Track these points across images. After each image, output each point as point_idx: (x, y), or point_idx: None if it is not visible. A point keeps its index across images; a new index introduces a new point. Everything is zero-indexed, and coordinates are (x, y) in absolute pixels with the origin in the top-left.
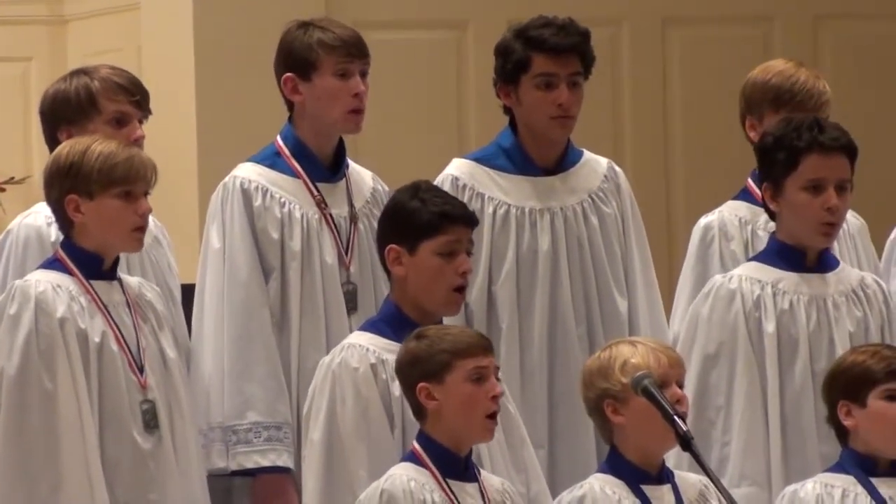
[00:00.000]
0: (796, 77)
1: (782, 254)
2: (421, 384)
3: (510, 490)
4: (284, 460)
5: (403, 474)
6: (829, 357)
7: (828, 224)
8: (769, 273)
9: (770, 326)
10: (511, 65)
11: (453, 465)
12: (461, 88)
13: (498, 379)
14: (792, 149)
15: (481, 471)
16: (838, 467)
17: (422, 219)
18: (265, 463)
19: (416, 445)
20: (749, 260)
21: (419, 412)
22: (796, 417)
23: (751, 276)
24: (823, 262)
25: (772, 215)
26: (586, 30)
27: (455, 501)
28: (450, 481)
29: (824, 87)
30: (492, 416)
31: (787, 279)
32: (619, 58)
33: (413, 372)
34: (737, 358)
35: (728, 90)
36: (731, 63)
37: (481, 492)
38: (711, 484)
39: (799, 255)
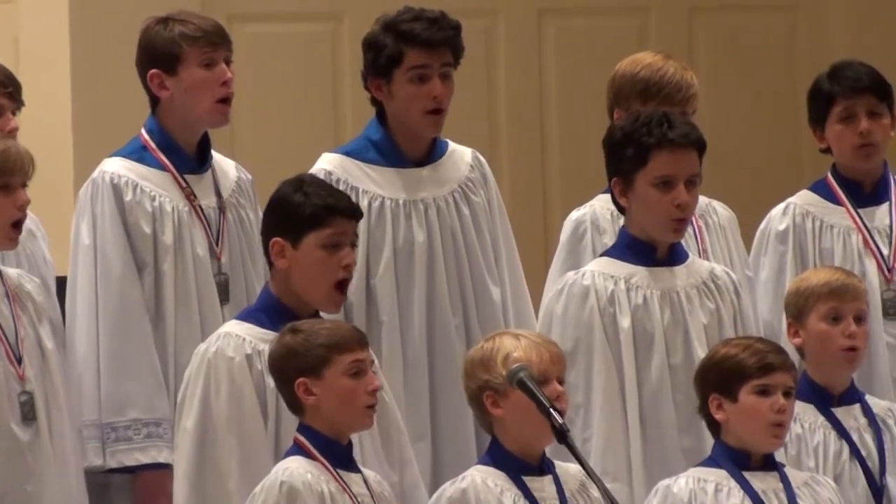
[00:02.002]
0: (665, 70)
1: (633, 248)
2: (299, 380)
3: (383, 481)
4: (165, 456)
5: (299, 466)
6: (684, 351)
7: (678, 220)
8: (621, 268)
9: (625, 322)
10: (383, 59)
11: (340, 455)
12: (337, 81)
13: (374, 372)
14: (641, 145)
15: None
16: (711, 461)
17: (306, 212)
18: (146, 460)
19: (302, 438)
20: (600, 255)
21: (296, 407)
22: (655, 412)
23: (603, 271)
24: (674, 256)
25: (621, 209)
26: (458, 23)
27: (348, 490)
28: (339, 472)
29: (692, 79)
30: (370, 407)
31: (639, 274)
32: (495, 49)
33: (290, 367)
34: (593, 355)
35: (603, 82)
36: (606, 54)
37: (365, 482)
38: None
39: (650, 248)
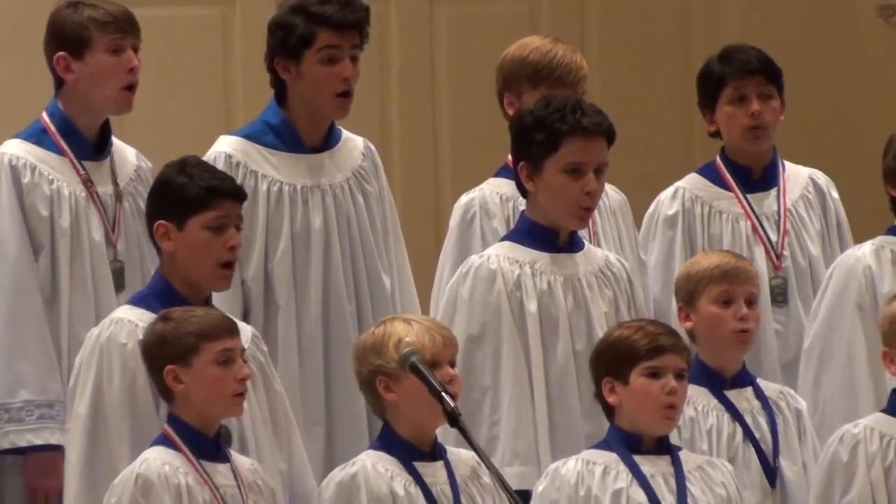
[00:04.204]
0: (554, 52)
1: (534, 234)
2: (168, 367)
3: (259, 469)
4: (57, 438)
5: (157, 458)
6: (588, 337)
7: (584, 208)
8: (524, 253)
9: (532, 306)
10: (294, 39)
11: (204, 445)
12: (228, 65)
13: (244, 360)
14: (553, 131)
15: (232, 452)
16: (604, 444)
17: (190, 193)
18: (38, 441)
19: (168, 428)
20: (501, 239)
21: (166, 394)
22: (561, 396)
23: (508, 255)
24: (573, 243)
25: (524, 193)
26: (367, 6)
27: (209, 482)
28: (203, 462)
29: (581, 61)
30: (239, 395)
31: (542, 259)
32: (387, 35)
33: (159, 354)
34: (501, 338)
35: (495, 67)
36: (498, 40)
37: (233, 472)
38: None
39: (551, 235)
